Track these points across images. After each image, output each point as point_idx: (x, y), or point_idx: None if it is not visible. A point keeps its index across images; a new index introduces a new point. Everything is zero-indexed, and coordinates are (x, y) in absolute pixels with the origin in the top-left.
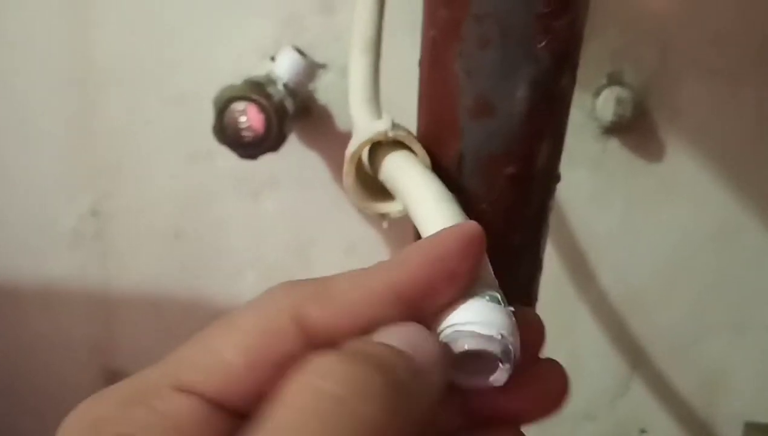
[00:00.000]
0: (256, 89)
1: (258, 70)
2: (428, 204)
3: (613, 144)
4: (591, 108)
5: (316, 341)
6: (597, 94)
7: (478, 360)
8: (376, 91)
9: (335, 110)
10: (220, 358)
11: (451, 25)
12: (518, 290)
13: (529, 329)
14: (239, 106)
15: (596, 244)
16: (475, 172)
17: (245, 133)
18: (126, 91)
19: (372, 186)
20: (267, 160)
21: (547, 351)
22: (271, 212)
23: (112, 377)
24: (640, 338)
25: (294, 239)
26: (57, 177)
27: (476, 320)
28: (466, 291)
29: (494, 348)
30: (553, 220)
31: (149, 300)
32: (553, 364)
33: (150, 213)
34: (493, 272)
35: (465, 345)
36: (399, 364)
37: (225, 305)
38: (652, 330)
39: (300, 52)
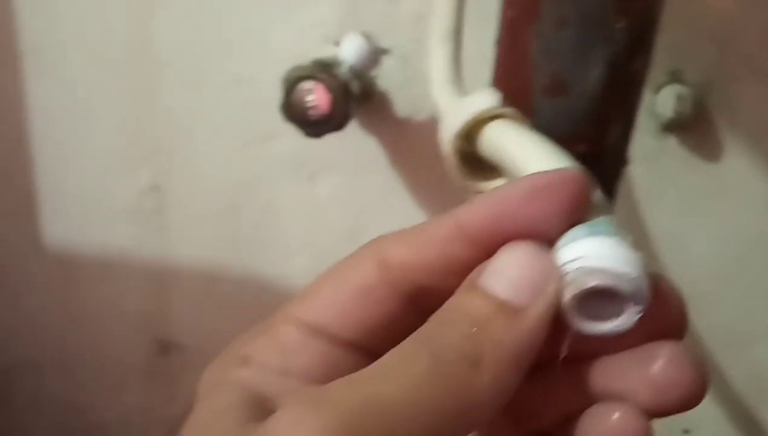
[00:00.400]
0: (324, 69)
1: (318, 53)
2: (541, 161)
3: (671, 142)
4: (651, 105)
5: (397, 277)
6: (657, 90)
7: (599, 303)
8: (459, 74)
9: (395, 97)
10: (314, 294)
11: (530, 4)
12: None
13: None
14: (307, 84)
15: (648, 241)
16: None
17: (312, 112)
18: (186, 73)
19: (469, 164)
20: (324, 144)
21: None
22: (326, 196)
23: (165, 348)
24: (688, 339)
25: (347, 223)
26: (118, 154)
27: (604, 255)
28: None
29: (626, 287)
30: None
31: (204, 275)
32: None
33: (207, 191)
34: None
35: (592, 282)
36: (494, 323)
37: (276, 284)
38: (700, 330)
39: (365, 36)
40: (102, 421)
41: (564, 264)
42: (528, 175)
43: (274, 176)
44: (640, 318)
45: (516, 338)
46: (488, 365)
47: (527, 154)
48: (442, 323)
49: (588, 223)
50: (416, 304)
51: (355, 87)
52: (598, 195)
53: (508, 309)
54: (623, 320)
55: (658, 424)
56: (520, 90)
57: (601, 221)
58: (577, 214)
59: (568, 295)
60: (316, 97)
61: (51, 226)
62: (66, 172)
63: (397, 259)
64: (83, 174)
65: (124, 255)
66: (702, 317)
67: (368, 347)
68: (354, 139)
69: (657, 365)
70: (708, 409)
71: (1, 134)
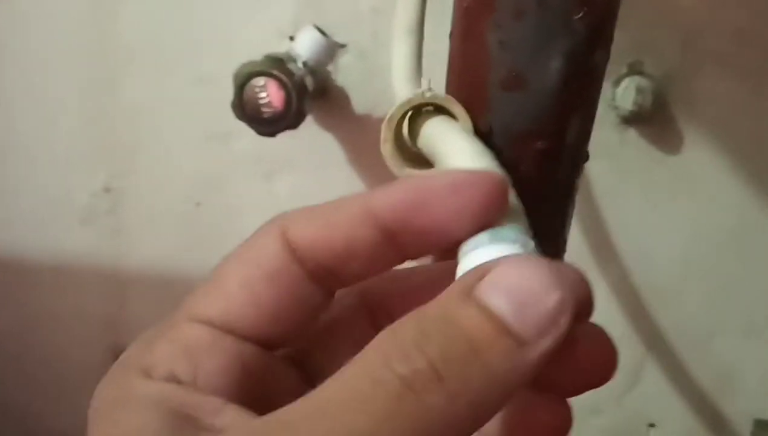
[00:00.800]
0: (277, 65)
1: (278, 49)
2: (465, 160)
3: (632, 134)
4: (611, 97)
5: (302, 257)
6: (617, 83)
7: None
8: (419, 71)
9: (352, 92)
10: (219, 285)
11: None
12: None
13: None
14: (259, 81)
15: (610, 234)
16: (504, 147)
17: (265, 109)
18: (145, 70)
19: (409, 157)
20: (282, 141)
21: None
22: (285, 194)
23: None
24: (651, 332)
25: None
26: (72, 152)
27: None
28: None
29: None
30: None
31: (161, 278)
32: (597, 330)
33: (164, 191)
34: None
35: None
36: (492, 348)
37: None
38: (663, 325)
39: (320, 31)
40: (62, 427)
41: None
42: (449, 170)
43: (233, 175)
44: None
45: (514, 372)
46: (471, 395)
47: (457, 151)
48: (424, 336)
49: (491, 230)
50: (323, 287)
51: (309, 83)
52: (513, 199)
53: (513, 337)
54: None
55: (624, 420)
56: (476, 84)
57: (505, 228)
58: (490, 216)
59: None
60: (268, 93)
61: (2, 229)
62: (15, 172)
63: (302, 237)
64: (35, 174)
65: (78, 259)
66: (665, 311)
67: (283, 340)
68: (311, 136)
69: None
70: (673, 403)
71: None
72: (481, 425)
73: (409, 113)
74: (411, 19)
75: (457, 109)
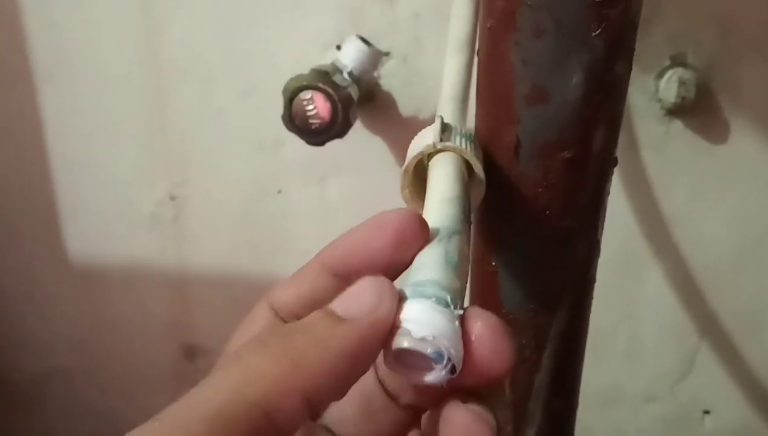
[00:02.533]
0: (323, 78)
1: (322, 60)
2: (430, 205)
3: (677, 126)
4: (654, 90)
5: (282, 314)
6: (660, 76)
7: (422, 357)
8: (465, 90)
9: (398, 96)
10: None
11: (507, 14)
12: (574, 273)
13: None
14: (306, 95)
15: (659, 226)
16: (531, 158)
17: (313, 121)
18: (196, 84)
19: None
20: (332, 146)
21: (609, 333)
22: (336, 198)
23: (191, 353)
24: (703, 321)
25: (358, 223)
26: (136, 165)
27: (415, 319)
28: (413, 291)
29: (426, 350)
30: (616, 203)
31: (223, 280)
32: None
33: (222, 198)
34: (453, 272)
35: (400, 344)
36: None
37: None
38: (717, 312)
39: (364, 40)
40: (132, 426)
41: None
42: (378, 215)
43: (286, 181)
44: (451, 375)
45: (335, 341)
46: (306, 361)
47: (429, 196)
48: (264, 333)
49: (415, 282)
50: None
51: (354, 93)
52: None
53: (333, 316)
54: (435, 375)
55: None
56: (503, 99)
57: (427, 281)
58: (403, 251)
59: (394, 345)
60: (315, 106)
61: (74, 239)
62: (85, 187)
63: (279, 299)
64: (102, 187)
65: (146, 264)
66: (717, 301)
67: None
68: (360, 141)
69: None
70: (728, 390)
71: (21, 154)
72: (328, 395)
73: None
74: (461, 37)
75: (467, 154)
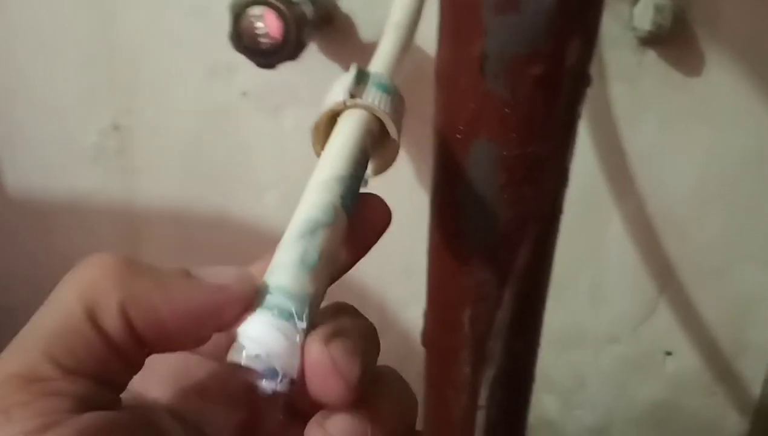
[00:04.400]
0: None
1: None
2: (309, 186)
3: (650, 56)
4: (628, 18)
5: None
6: (635, 2)
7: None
8: (415, 14)
9: (358, 20)
10: None
11: None
12: (541, 203)
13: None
14: (256, 11)
15: (630, 161)
16: (499, 74)
17: (262, 40)
18: (143, 3)
19: None
20: (287, 73)
21: (572, 273)
22: (292, 127)
23: None
24: (668, 261)
25: (315, 156)
26: (77, 92)
27: (250, 336)
28: (255, 302)
29: (258, 366)
30: (583, 134)
31: (174, 215)
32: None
33: (171, 128)
34: (308, 275)
35: (233, 358)
36: None
37: (248, 221)
38: (681, 253)
39: None
40: None
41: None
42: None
43: (238, 110)
44: (290, 386)
45: (170, 281)
46: (133, 280)
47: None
48: None
49: (265, 287)
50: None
51: (309, 11)
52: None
53: (186, 271)
54: (268, 388)
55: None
56: (469, 7)
57: (275, 288)
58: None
59: (228, 358)
60: (265, 23)
61: (11, 171)
62: (21, 115)
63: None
64: (40, 116)
65: (91, 198)
66: (683, 241)
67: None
68: (317, 67)
69: None
70: (690, 332)
71: None
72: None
73: None
74: (402, 17)
75: (380, 113)
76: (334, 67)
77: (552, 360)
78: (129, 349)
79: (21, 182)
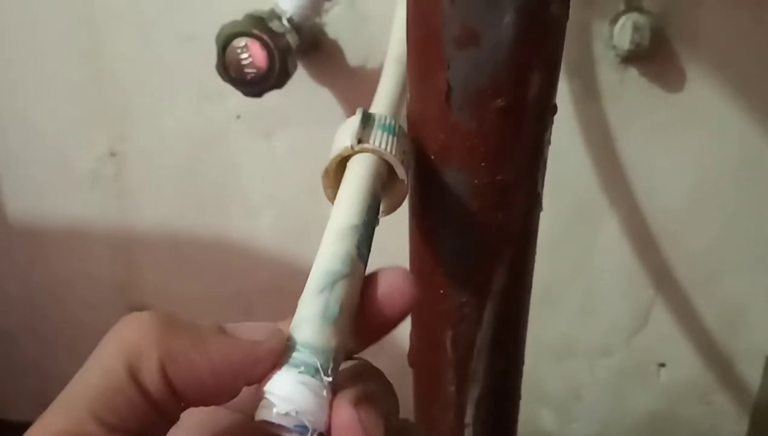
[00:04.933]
0: (258, 24)
1: (264, 5)
2: (326, 235)
3: (632, 73)
4: (608, 36)
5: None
6: (614, 21)
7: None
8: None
9: (345, 44)
10: None
11: None
12: (513, 227)
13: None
14: (240, 42)
15: (615, 176)
16: (464, 106)
17: (248, 70)
18: (134, 31)
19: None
20: (277, 97)
21: (563, 286)
22: (283, 150)
23: (138, 311)
24: (658, 273)
25: (307, 178)
26: (72, 119)
27: (279, 394)
28: (282, 359)
29: (288, 423)
30: (572, 152)
31: (168, 238)
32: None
33: (164, 153)
34: (331, 329)
35: (264, 416)
36: None
37: (242, 242)
38: (670, 265)
39: None
40: None
41: (264, 390)
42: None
43: (230, 135)
44: None
45: (208, 337)
46: (171, 340)
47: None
48: None
49: (291, 343)
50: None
51: (293, 40)
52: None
53: (221, 328)
54: None
55: (634, 360)
56: (431, 42)
57: (301, 344)
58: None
59: (257, 416)
60: (250, 54)
61: (10, 198)
62: (21, 144)
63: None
64: (37, 144)
65: (88, 223)
66: (672, 252)
67: None
68: (306, 91)
69: None
70: (683, 342)
71: None
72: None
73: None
74: (400, 51)
75: (387, 156)
76: (323, 91)
77: (547, 373)
78: (168, 405)
79: (19, 207)
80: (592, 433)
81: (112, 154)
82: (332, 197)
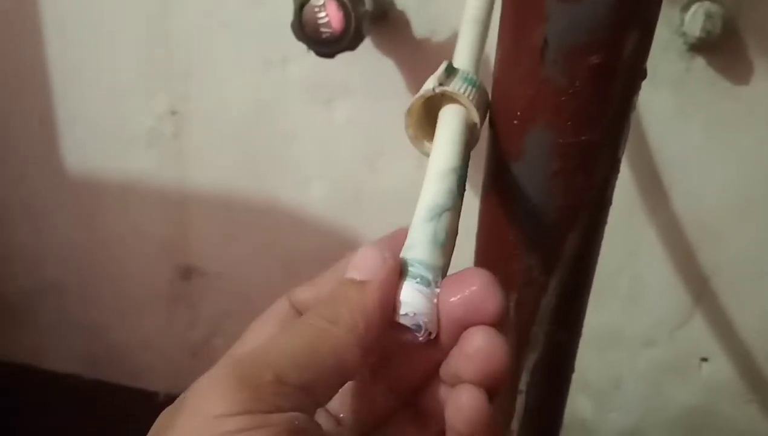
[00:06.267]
0: None
1: None
2: (429, 176)
3: (699, 63)
4: (678, 23)
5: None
6: (686, 8)
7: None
8: (488, 11)
9: (412, 16)
10: (250, 336)
11: None
12: (591, 192)
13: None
14: (318, 1)
15: (671, 166)
16: (557, 61)
17: (324, 30)
18: None
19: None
20: (341, 66)
21: (612, 275)
22: (341, 121)
23: (186, 273)
24: (706, 267)
25: (364, 149)
26: (137, 77)
27: (401, 300)
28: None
29: (407, 323)
30: (630, 136)
31: (222, 201)
32: (486, 333)
33: (225, 116)
34: (439, 251)
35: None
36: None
37: (293, 211)
38: (719, 259)
39: None
40: (124, 343)
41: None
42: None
43: (291, 101)
44: (429, 338)
45: (361, 299)
46: (344, 319)
47: (429, 173)
48: (317, 304)
49: (407, 259)
50: None
51: (369, 4)
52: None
53: (355, 283)
54: (413, 337)
55: (676, 353)
56: None
57: (415, 261)
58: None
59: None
60: (327, 14)
61: (71, 152)
62: (84, 97)
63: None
64: (101, 98)
65: (144, 180)
66: (723, 247)
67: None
68: (370, 61)
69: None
70: (726, 338)
71: (20, 61)
72: (361, 348)
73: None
74: (478, 13)
75: (465, 101)
76: (387, 61)
77: (589, 361)
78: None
79: (77, 161)
80: (628, 424)
81: (173, 113)
82: (412, 137)
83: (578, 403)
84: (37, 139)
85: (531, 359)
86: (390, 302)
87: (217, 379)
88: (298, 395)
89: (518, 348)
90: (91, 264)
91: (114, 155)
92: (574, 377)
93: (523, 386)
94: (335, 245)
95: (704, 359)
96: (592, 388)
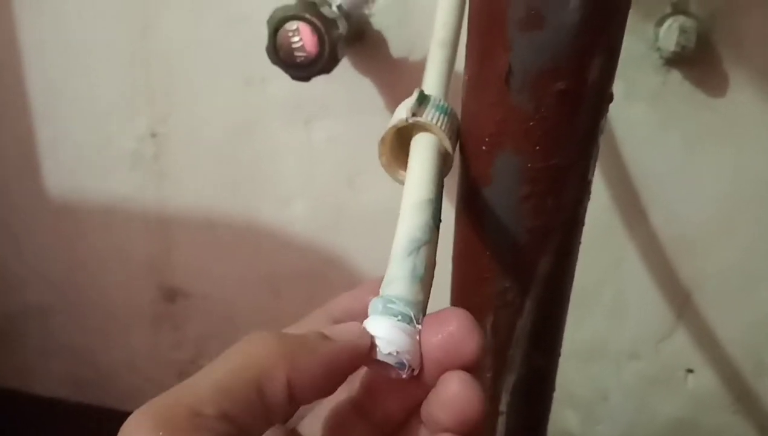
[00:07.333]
0: (310, 9)
1: None
2: (404, 208)
3: (675, 77)
4: (653, 38)
5: (336, 319)
6: (660, 23)
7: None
8: (457, 34)
9: (389, 36)
10: None
11: None
12: (563, 212)
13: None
14: (292, 25)
15: (651, 180)
16: (523, 88)
17: (298, 54)
18: (183, 11)
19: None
20: (319, 86)
21: (594, 288)
22: (321, 139)
23: (171, 295)
24: (690, 279)
25: (344, 167)
26: (116, 98)
27: (382, 337)
28: (382, 307)
29: (391, 361)
30: (607, 153)
31: (204, 221)
32: (460, 379)
33: (204, 136)
34: (419, 286)
35: (376, 356)
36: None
37: (275, 230)
38: (702, 272)
39: None
40: (109, 365)
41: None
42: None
43: (271, 120)
44: (410, 374)
45: (319, 348)
46: (294, 357)
47: (405, 201)
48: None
49: (386, 297)
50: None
51: (343, 27)
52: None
53: (323, 335)
54: (395, 375)
55: (662, 365)
56: (495, 23)
57: (395, 298)
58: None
59: (373, 356)
60: (301, 38)
61: (52, 174)
62: (65, 119)
63: (337, 309)
64: (82, 121)
65: (126, 202)
66: (706, 259)
67: None
68: (349, 81)
69: (449, 393)
70: (712, 350)
71: None
72: (309, 395)
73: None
74: (446, 36)
75: (437, 130)
76: (365, 81)
77: (574, 374)
78: (285, 409)
79: (59, 184)
80: None
81: (153, 135)
82: (386, 165)
83: (565, 416)
84: (18, 162)
85: (509, 381)
86: (336, 372)
87: (136, 422)
88: (220, 424)
89: (496, 370)
90: (75, 287)
91: (96, 177)
92: (560, 390)
93: (503, 407)
94: (317, 263)
95: (690, 371)
96: (579, 401)
